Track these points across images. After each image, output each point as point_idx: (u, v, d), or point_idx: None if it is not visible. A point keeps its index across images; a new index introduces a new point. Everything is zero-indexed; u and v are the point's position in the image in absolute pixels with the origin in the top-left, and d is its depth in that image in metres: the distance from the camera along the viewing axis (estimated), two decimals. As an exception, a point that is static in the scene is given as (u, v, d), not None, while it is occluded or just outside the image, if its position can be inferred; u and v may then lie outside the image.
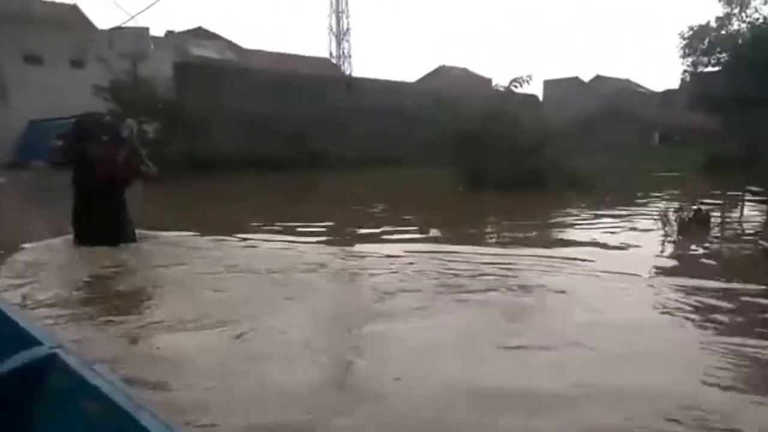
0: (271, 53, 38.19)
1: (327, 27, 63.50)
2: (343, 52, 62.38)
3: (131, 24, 30.00)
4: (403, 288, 4.68)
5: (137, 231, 6.32)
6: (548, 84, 47.52)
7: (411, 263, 5.70)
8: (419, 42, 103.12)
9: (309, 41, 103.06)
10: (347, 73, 52.02)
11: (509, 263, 5.63)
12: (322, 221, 8.74)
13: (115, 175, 5.96)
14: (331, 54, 58.72)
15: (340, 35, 64.31)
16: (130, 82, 20.58)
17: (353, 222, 8.92)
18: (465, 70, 51.45)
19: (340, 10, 64.53)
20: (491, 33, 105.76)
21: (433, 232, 7.59)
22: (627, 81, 52.10)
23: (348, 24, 64.42)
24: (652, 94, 45.06)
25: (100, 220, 5.87)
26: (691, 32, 24.22)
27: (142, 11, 33.18)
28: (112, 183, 5.99)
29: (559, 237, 7.66)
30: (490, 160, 10.89)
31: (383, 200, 11.12)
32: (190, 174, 17.28)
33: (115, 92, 20.40)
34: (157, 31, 35.46)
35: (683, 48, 24.56)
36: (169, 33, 35.31)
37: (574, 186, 10.90)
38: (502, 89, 13.37)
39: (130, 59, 27.95)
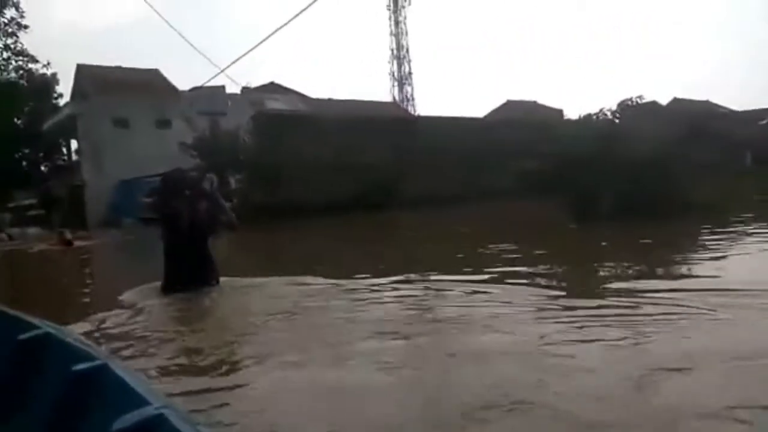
0: (339, 101, 38.86)
1: (389, 72, 64.91)
2: (406, 96, 63.29)
3: (211, 83, 31.07)
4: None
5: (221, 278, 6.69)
6: (624, 108, 46.03)
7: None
8: (480, 79, 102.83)
9: (372, 87, 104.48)
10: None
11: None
12: (467, 266, 7.77)
13: (199, 225, 6.36)
14: (393, 98, 59.60)
15: (402, 79, 65.49)
16: (211, 137, 21.15)
17: (504, 267, 7.63)
18: (534, 103, 50.69)
19: (401, 56, 65.89)
20: (553, 63, 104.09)
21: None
22: (707, 102, 49.88)
23: (409, 68, 65.62)
24: (736, 114, 42.73)
25: (187, 269, 6.30)
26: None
27: (220, 72, 34.67)
28: (196, 233, 6.39)
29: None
30: (602, 188, 10.11)
31: (502, 239, 9.97)
32: (276, 221, 17.39)
33: (200, 148, 21.00)
34: (233, 88, 37.00)
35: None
36: (245, 89, 36.57)
37: (700, 209, 9.90)
38: (608, 114, 12.59)
39: (209, 117, 29.21)
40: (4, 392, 1.90)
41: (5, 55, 27.36)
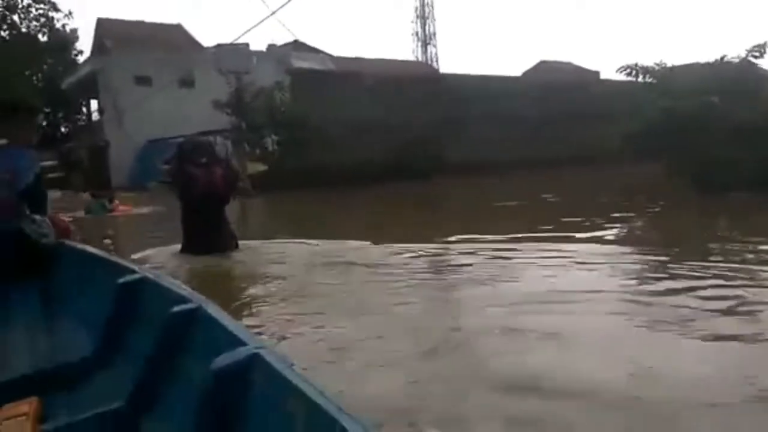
0: (370, 60, 37.05)
1: (412, 32, 62.53)
2: (430, 57, 60.98)
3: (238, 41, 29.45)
4: None
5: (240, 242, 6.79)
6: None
7: None
8: (505, 40, 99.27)
9: (393, 48, 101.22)
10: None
11: None
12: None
13: (214, 191, 6.48)
14: (416, 59, 57.39)
15: (426, 40, 63.12)
16: (247, 95, 19.70)
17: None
18: (570, 64, 48.42)
19: (426, 15, 63.41)
20: (584, 24, 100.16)
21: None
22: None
23: (434, 28, 63.18)
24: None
25: (204, 232, 6.43)
26: None
27: (249, 30, 33.19)
28: (211, 198, 6.50)
29: None
30: (725, 152, 8.72)
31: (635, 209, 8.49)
32: (317, 186, 16.14)
33: (234, 106, 19.60)
34: (257, 45, 35.30)
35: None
36: (271, 46, 34.90)
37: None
38: (735, 59, 10.92)
39: (234, 75, 27.71)
40: (107, 333, 1.98)
41: (26, 1, 25.55)
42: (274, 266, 5.96)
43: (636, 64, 11.58)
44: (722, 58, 11.04)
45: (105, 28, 31.51)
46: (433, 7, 63.71)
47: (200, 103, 28.67)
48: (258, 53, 34.35)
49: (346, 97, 20.06)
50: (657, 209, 9.39)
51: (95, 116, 35.27)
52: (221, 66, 31.26)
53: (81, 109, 38.09)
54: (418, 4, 63.12)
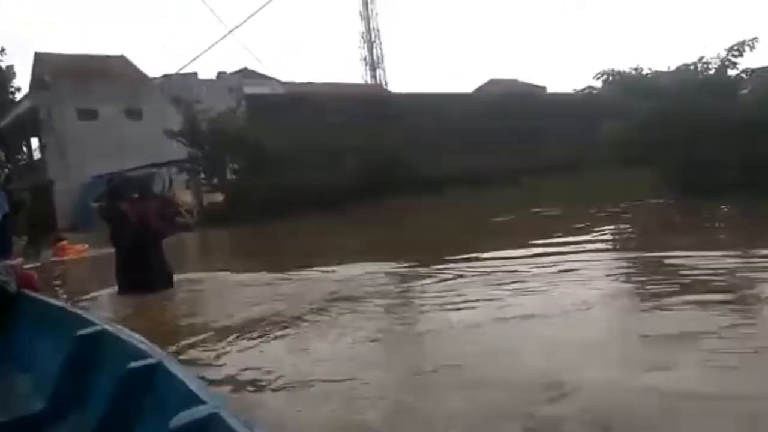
0: (321, 84, 36.74)
1: (360, 57, 62.58)
2: (379, 80, 61.16)
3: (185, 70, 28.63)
4: None
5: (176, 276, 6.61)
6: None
7: None
8: (453, 61, 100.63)
9: (342, 73, 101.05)
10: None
11: None
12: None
13: (147, 227, 6.29)
14: (366, 83, 57.45)
15: (375, 64, 63.38)
16: (204, 122, 18.93)
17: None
18: (516, 81, 49.37)
19: (372, 39, 63.74)
20: (529, 43, 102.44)
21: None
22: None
23: (381, 52, 63.50)
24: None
25: (137, 271, 6.22)
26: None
27: (196, 58, 32.29)
28: (145, 235, 6.30)
29: None
30: (713, 154, 8.46)
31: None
32: (279, 213, 15.45)
33: (188, 134, 18.78)
34: (206, 74, 34.53)
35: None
36: (221, 74, 34.20)
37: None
38: (713, 61, 10.68)
39: (185, 104, 26.87)
40: (63, 386, 1.93)
41: None
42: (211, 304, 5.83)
43: (613, 70, 11.44)
44: (701, 59, 10.94)
45: (43, 62, 30.13)
46: (379, 32, 63.97)
47: (150, 134, 27.66)
48: (207, 82, 33.68)
49: (302, 121, 19.50)
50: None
51: (37, 155, 33.62)
52: (170, 95, 30.51)
53: (21, 148, 36.26)
54: (363, 29, 63.38)
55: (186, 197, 23.39)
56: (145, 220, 6.31)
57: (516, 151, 21.38)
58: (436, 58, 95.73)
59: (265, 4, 11.75)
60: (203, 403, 1.27)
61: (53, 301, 2.57)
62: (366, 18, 63.84)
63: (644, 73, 11.30)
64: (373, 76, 61.39)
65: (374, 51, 63.36)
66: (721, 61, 10.67)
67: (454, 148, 21.69)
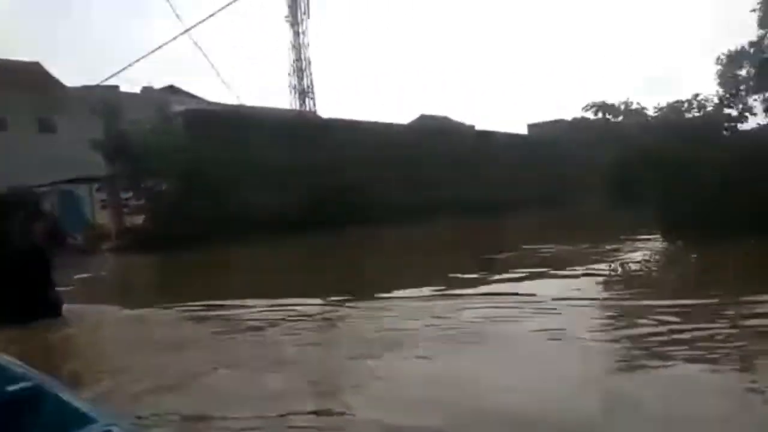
0: (252, 107, 35.57)
1: (289, 85, 61.75)
2: (308, 108, 60.54)
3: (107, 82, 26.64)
4: None
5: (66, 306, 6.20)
6: (532, 127, 46.78)
7: None
8: (381, 95, 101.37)
9: (271, 101, 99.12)
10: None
11: None
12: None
13: (36, 249, 5.98)
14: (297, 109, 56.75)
15: (304, 92, 62.75)
16: (135, 136, 17.38)
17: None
18: (447, 118, 50.04)
19: (302, 68, 63.23)
20: (450, 79, 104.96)
21: None
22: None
23: (311, 81, 63.04)
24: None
25: (21, 296, 5.80)
26: (727, 57, 23.05)
27: (122, 70, 30.17)
28: (30, 257, 5.95)
29: None
30: (698, 196, 8.25)
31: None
32: (223, 238, 14.21)
33: (109, 150, 17.18)
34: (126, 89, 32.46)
35: (720, 75, 23.29)
36: (146, 89, 32.34)
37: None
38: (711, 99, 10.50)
39: (103, 118, 24.98)
40: None
41: None
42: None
43: (603, 102, 11.24)
44: (696, 96, 10.82)
45: (-55, 62, 27.29)
46: (309, 62, 63.48)
47: (64, 148, 25.47)
48: (131, 95, 31.66)
49: (237, 141, 18.37)
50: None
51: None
52: (90, 108, 28.37)
53: None
54: (293, 58, 62.69)
55: (102, 218, 21.47)
56: (33, 240, 5.94)
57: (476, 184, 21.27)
58: (364, 92, 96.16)
59: (205, 17, 10.74)
60: (94, 422, 1.21)
61: None
62: (296, 47, 63.44)
63: (632, 108, 11.21)
64: (303, 105, 60.73)
65: (304, 80, 62.97)
66: (718, 101, 10.66)
67: (398, 178, 21.24)
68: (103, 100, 28.62)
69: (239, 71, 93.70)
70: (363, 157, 21.09)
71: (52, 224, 6.29)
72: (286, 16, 62.84)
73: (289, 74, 65.77)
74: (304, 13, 64.14)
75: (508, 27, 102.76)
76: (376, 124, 25.81)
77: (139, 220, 20.90)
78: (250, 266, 11.39)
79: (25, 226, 6.02)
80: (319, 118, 23.33)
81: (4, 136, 25.31)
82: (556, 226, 15.80)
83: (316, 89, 69.44)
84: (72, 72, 62.64)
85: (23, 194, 7.10)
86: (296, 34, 64.48)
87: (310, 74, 64.43)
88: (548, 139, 33.91)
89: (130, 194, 17.97)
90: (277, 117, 25.45)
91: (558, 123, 48.76)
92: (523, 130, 46.59)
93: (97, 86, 28.23)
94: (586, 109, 11.19)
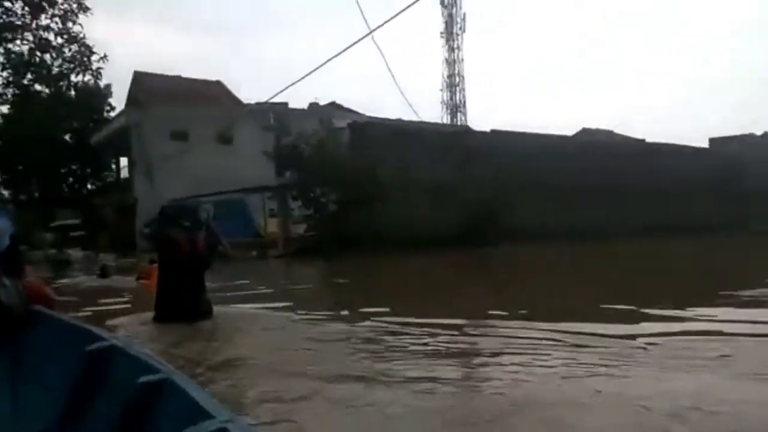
0: (414, 122, 35.67)
1: (441, 101, 61.62)
2: (458, 123, 60.01)
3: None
4: None
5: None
6: (714, 141, 42.31)
7: None
8: (533, 109, 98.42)
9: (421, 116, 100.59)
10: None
11: None
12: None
13: (197, 255, 6.40)
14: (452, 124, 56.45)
15: (456, 108, 62.36)
16: (306, 147, 17.73)
17: None
18: (611, 132, 46.90)
19: (455, 83, 62.91)
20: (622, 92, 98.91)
21: None
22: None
23: (463, 97, 62.50)
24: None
25: (183, 298, 6.31)
26: None
27: (288, 87, 32.10)
28: (195, 262, 6.39)
29: None
30: None
31: None
32: (384, 249, 13.84)
33: (284, 159, 17.61)
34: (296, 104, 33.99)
35: None
36: (313, 105, 33.58)
37: None
38: None
39: (274, 133, 26.11)
40: (71, 403, 1.96)
41: (59, 40, 23.43)
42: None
43: None
44: None
45: (141, 81, 30.32)
46: (463, 78, 62.99)
47: (238, 160, 27.02)
48: (298, 111, 33.10)
49: (406, 157, 18.05)
50: None
51: (124, 173, 33.71)
52: (261, 123, 30.01)
53: (110, 165, 36.61)
54: (446, 73, 62.60)
55: (271, 227, 22.26)
56: (196, 247, 6.36)
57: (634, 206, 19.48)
58: (520, 106, 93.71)
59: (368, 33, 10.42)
60: (212, 417, 1.26)
61: (63, 316, 2.49)
62: (450, 62, 63.29)
63: None
64: (454, 119, 60.37)
65: (457, 95, 62.64)
66: None
67: (557, 198, 19.78)
68: (276, 115, 30.25)
69: (390, 86, 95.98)
70: (523, 174, 19.93)
71: (210, 233, 6.64)
72: (441, 32, 63.46)
73: (441, 89, 66.18)
74: (460, 29, 64.39)
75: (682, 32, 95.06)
76: (531, 134, 24.29)
77: (298, 229, 21.38)
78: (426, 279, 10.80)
79: (190, 234, 6.42)
80: (483, 133, 22.48)
81: (185, 146, 27.33)
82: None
83: (468, 104, 69.37)
84: (247, 89, 67.94)
85: (187, 205, 7.79)
86: (450, 49, 64.81)
87: (463, 89, 64.20)
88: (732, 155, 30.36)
89: (300, 204, 18.38)
90: (434, 132, 24.99)
91: (747, 138, 43.85)
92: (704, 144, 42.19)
93: (268, 102, 29.91)
94: None
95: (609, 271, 10.98)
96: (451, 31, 64.17)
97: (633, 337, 5.00)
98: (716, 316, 5.99)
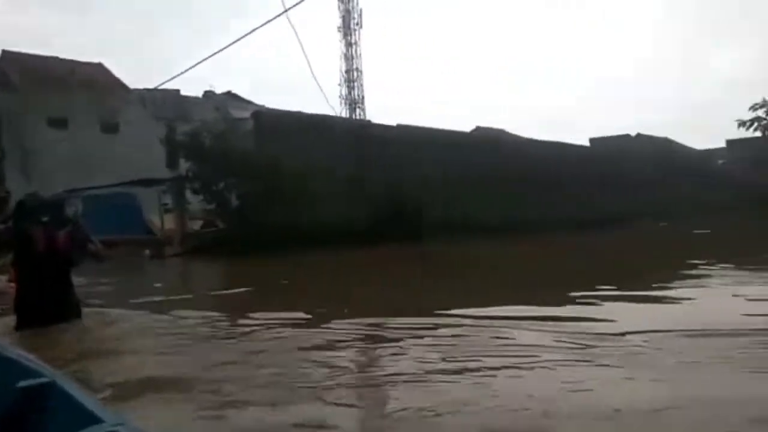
0: (312, 114, 34.93)
1: (339, 96, 61.29)
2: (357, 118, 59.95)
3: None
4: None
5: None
6: (594, 141, 45.00)
7: None
8: (431, 107, 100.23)
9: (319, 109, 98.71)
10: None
11: None
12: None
13: (56, 252, 5.95)
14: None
15: (354, 103, 62.24)
16: (207, 137, 16.58)
17: None
18: (503, 131, 48.57)
19: (352, 79, 62.78)
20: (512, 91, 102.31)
21: None
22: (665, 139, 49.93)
23: (362, 92, 62.51)
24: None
25: (44, 302, 5.87)
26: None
27: (183, 72, 30.17)
28: (53, 260, 5.94)
29: None
30: None
31: None
32: (293, 246, 13.18)
33: (189, 149, 16.40)
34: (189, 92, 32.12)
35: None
36: (208, 93, 31.94)
37: None
38: None
39: (166, 121, 24.47)
40: None
41: None
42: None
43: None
44: None
45: (11, 61, 27.28)
46: (360, 73, 62.95)
47: (125, 150, 25.09)
48: (192, 99, 31.30)
49: (312, 149, 17.35)
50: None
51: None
52: (152, 111, 28.04)
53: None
54: (343, 68, 62.32)
55: (167, 222, 20.73)
56: (55, 244, 5.89)
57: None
58: (416, 104, 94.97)
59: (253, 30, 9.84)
60: (100, 422, 1.23)
61: None
62: (347, 57, 63.01)
63: None
64: (352, 114, 60.12)
65: (355, 90, 62.45)
66: None
67: (467, 192, 19.96)
68: (167, 102, 28.34)
69: (287, 79, 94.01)
70: (433, 169, 19.92)
71: (76, 230, 6.16)
72: (338, 27, 63.01)
73: (339, 84, 65.82)
74: (357, 24, 64.21)
75: (563, 36, 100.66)
76: (433, 129, 24.45)
77: (197, 225, 20.16)
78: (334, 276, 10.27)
79: (49, 230, 5.93)
80: (384, 127, 22.23)
81: (65, 134, 25.02)
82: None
83: (366, 100, 69.33)
84: (131, 73, 63.22)
85: (49, 199, 6.95)
86: (348, 44, 64.48)
87: (361, 85, 64.17)
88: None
89: (200, 198, 17.22)
90: (340, 125, 24.52)
91: (623, 138, 46.96)
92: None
93: (156, 89, 27.92)
94: (754, 108, 9.84)
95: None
96: (348, 26, 64.01)
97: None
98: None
